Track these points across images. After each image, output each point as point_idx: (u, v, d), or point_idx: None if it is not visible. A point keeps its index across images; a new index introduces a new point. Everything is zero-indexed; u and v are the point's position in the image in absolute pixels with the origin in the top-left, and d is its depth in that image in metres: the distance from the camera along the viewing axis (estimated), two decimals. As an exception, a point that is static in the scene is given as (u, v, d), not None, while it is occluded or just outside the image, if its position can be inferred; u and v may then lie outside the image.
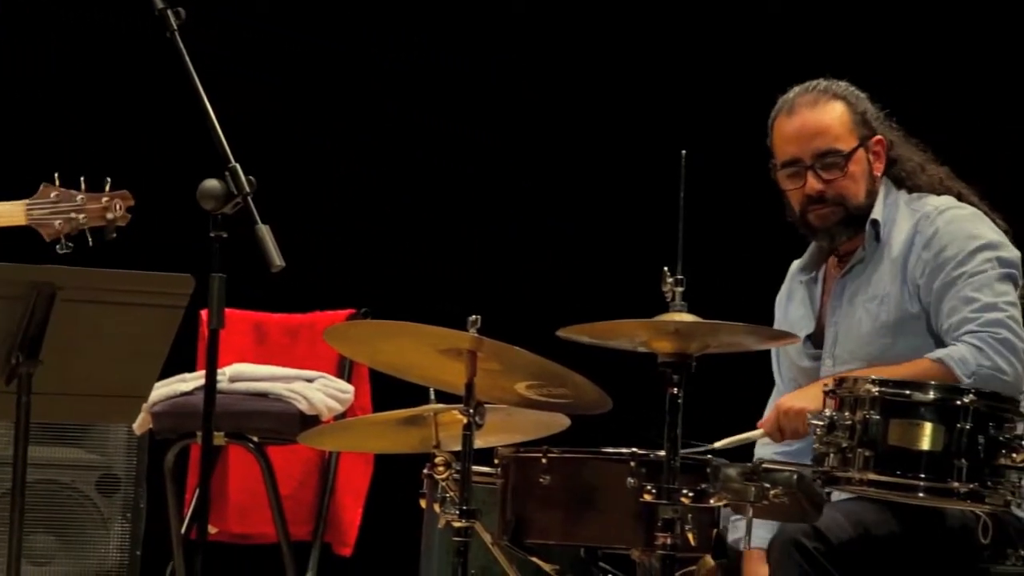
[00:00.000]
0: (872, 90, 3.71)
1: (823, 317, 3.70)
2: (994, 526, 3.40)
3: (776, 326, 3.76)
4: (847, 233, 3.65)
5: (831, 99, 3.64)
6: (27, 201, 3.48)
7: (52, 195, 3.47)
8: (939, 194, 3.67)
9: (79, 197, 3.47)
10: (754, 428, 3.49)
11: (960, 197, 3.66)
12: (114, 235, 3.47)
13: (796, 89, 3.68)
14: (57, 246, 3.48)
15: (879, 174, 3.67)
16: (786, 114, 3.65)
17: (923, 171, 3.69)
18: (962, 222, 3.58)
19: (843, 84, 3.68)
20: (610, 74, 5.65)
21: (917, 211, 3.63)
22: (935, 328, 3.55)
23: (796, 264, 3.80)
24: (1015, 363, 3.44)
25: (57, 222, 3.46)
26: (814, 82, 3.68)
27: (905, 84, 4.36)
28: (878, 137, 3.66)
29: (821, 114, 3.63)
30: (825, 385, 3.18)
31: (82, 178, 3.48)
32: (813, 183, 3.62)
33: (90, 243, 3.48)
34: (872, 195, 3.65)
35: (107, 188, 3.46)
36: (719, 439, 3.44)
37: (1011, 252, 3.59)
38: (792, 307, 3.75)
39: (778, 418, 3.44)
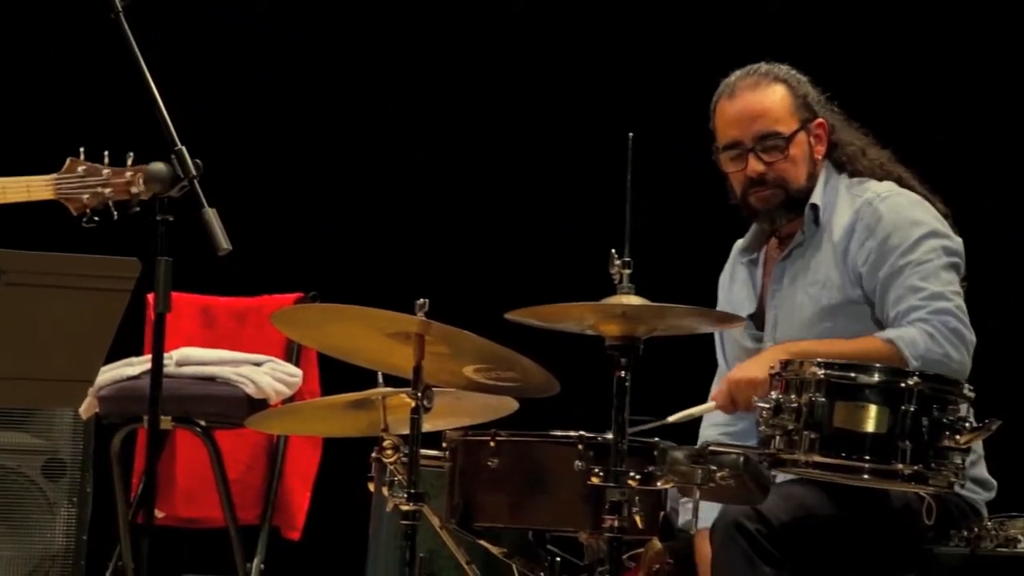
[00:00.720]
0: (813, 72, 3.73)
1: (764, 299, 3.72)
2: (938, 507, 3.43)
3: (719, 306, 3.78)
4: (788, 216, 3.66)
5: (772, 82, 3.65)
6: (55, 175, 3.45)
7: (79, 169, 3.45)
8: (880, 179, 3.68)
9: (105, 171, 3.45)
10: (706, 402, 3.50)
11: (900, 181, 3.68)
12: (137, 209, 3.44)
13: (738, 72, 3.69)
14: (83, 220, 3.45)
15: (820, 157, 3.68)
16: (727, 97, 3.66)
17: (864, 155, 3.71)
18: (904, 209, 3.60)
19: (784, 67, 3.70)
20: (555, 56, 5.65)
21: (858, 197, 3.64)
22: (881, 317, 3.57)
23: (739, 244, 3.81)
24: (963, 352, 3.48)
25: (85, 196, 3.43)
26: (756, 65, 3.69)
27: (845, 66, 4.38)
28: (820, 120, 3.67)
29: (762, 97, 3.64)
30: (771, 368, 3.20)
31: (105, 152, 3.45)
32: (754, 165, 3.63)
33: (115, 217, 3.46)
34: (813, 178, 3.66)
35: (129, 162, 3.43)
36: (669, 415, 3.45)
37: (954, 240, 3.61)
38: (735, 288, 3.77)
39: (730, 390, 3.45)
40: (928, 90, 5.27)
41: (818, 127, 3.67)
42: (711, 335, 3.81)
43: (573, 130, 5.53)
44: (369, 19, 5.71)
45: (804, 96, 3.66)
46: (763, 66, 3.68)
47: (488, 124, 5.68)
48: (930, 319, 3.48)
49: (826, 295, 3.60)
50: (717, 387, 3.63)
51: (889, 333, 3.48)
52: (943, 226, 3.61)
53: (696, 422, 3.68)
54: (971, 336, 3.51)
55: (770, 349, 3.53)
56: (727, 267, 3.82)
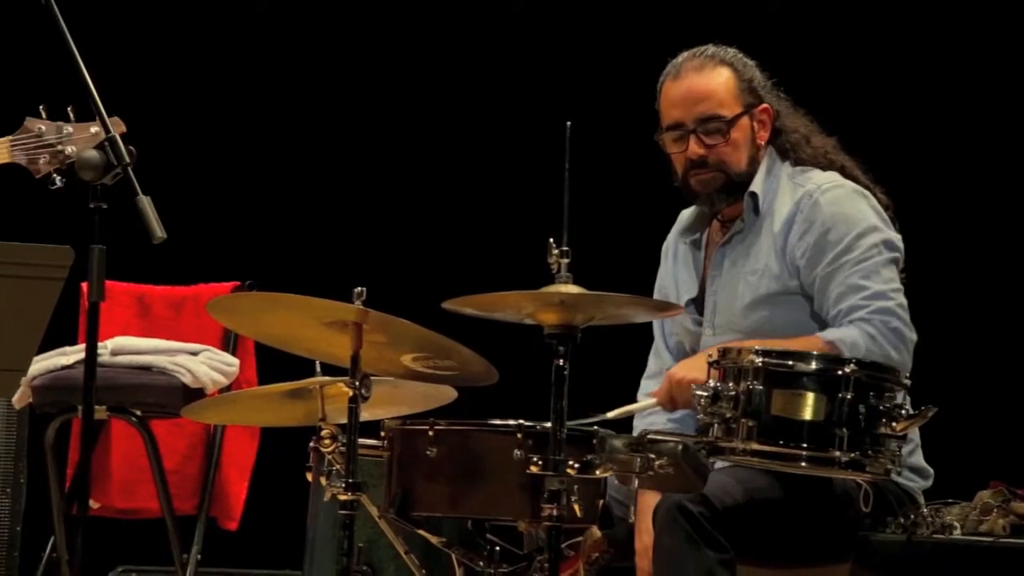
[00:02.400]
0: (758, 57, 3.73)
1: (704, 284, 3.72)
2: (875, 494, 3.45)
3: (659, 278, 3.77)
4: (727, 200, 3.66)
5: (718, 65, 3.65)
6: (10, 137, 3.31)
7: (37, 128, 3.30)
8: (823, 168, 3.68)
9: (66, 128, 3.30)
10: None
11: (843, 171, 3.69)
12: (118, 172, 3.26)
13: (685, 54, 3.68)
14: (48, 183, 3.30)
15: (763, 143, 3.68)
16: (673, 78, 3.66)
17: (808, 143, 3.71)
18: (843, 203, 3.59)
19: (732, 51, 3.69)
20: (492, 45, 5.64)
21: (800, 187, 3.64)
22: (821, 313, 3.58)
23: (684, 216, 3.79)
24: (904, 352, 3.50)
25: (43, 158, 3.28)
26: (703, 48, 3.68)
27: (791, 53, 4.39)
28: (764, 106, 3.67)
29: (707, 79, 3.63)
30: (709, 356, 3.20)
31: (69, 108, 3.29)
32: (695, 147, 3.63)
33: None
34: (755, 163, 3.66)
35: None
36: (609, 409, 3.45)
37: (894, 235, 3.61)
38: (678, 267, 3.76)
39: (670, 388, 3.46)
40: (872, 79, 5.29)
41: (762, 112, 3.67)
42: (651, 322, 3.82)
43: (511, 118, 5.52)
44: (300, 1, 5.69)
45: (750, 80, 3.65)
46: (710, 48, 3.67)
47: (426, 112, 5.66)
48: (871, 319, 3.49)
49: (764, 284, 3.61)
50: (658, 382, 3.64)
51: (830, 334, 3.49)
52: (882, 221, 3.61)
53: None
54: (912, 335, 3.53)
55: (711, 349, 3.52)
56: (670, 237, 3.80)
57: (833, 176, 3.65)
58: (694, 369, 3.40)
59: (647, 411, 3.62)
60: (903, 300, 3.56)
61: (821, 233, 3.56)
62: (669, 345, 3.79)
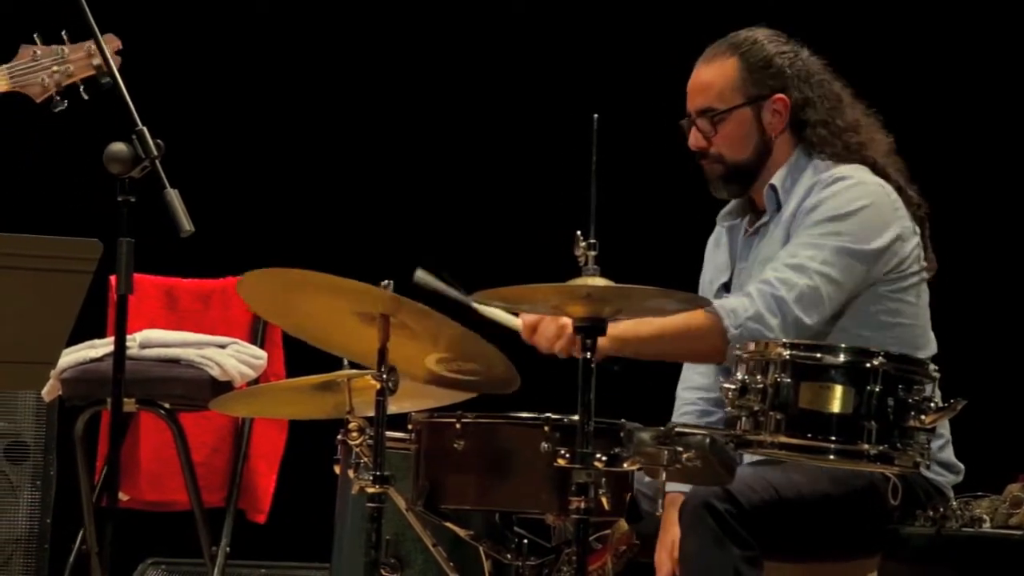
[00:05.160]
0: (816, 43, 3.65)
1: (734, 273, 3.71)
2: (903, 488, 3.44)
3: (704, 272, 3.75)
4: (729, 189, 3.63)
5: (726, 55, 3.60)
6: (7, 66, 3.34)
7: (32, 53, 3.32)
8: (855, 163, 3.61)
9: (62, 50, 3.32)
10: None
11: (875, 167, 3.60)
12: (108, 81, 3.29)
13: (715, 43, 3.66)
14: (51, 106, 3.33)
15: (775, 134, 3.63)
16: (696, 66, 3.65)
17: (840, 136, 3.62)
18: (845, 193, 3.50)
19: (762, 34, 3.60)
20: (521, 36, 5.64)
21: (818, 176, 3.58)
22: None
23: (731, 202, 3.74)
24: (780, 319, 3.37)
25: (42, 78, 3.31)
26: (733, 33, 3.64)
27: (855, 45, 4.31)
28: (778, 96, 3.62)
29: (708, 71, 3.61)
30: (736, 349, 3.19)
31: (64, 32, 3.32)
32: (692, 138, 3.63)
33: (85, 97, 3.32)
34: (762, 154, 3.61)
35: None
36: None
37: (874, 243, 3.47)
38: (718, 254, 3.75)
39: (543, 326, 3.34)
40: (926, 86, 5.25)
41: (775, 102, 3.62)
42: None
43: (538, 111, 5.51)
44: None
45: (763, 69, 3.58)
46: (735, 35, 3.62)
47: (453, 105, 5.66)
48: (762, 286, 3.41)
49: None
50: (698, 372, 3.63)
51: (724, 305, 3.41)
52: (878, 222, 3.48)
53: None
54: (805, 319, 3.38)
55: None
56: (714, 234, 3.78)
57: (854, 169, 3.57)
58: (564, 322, 3.27)
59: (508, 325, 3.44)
60: (826, 291, 3.43)
61: (808, 213, 3.51)
62: None
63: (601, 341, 3.07)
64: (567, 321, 3.27)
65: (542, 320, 3.38)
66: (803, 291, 3.42)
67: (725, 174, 3.62)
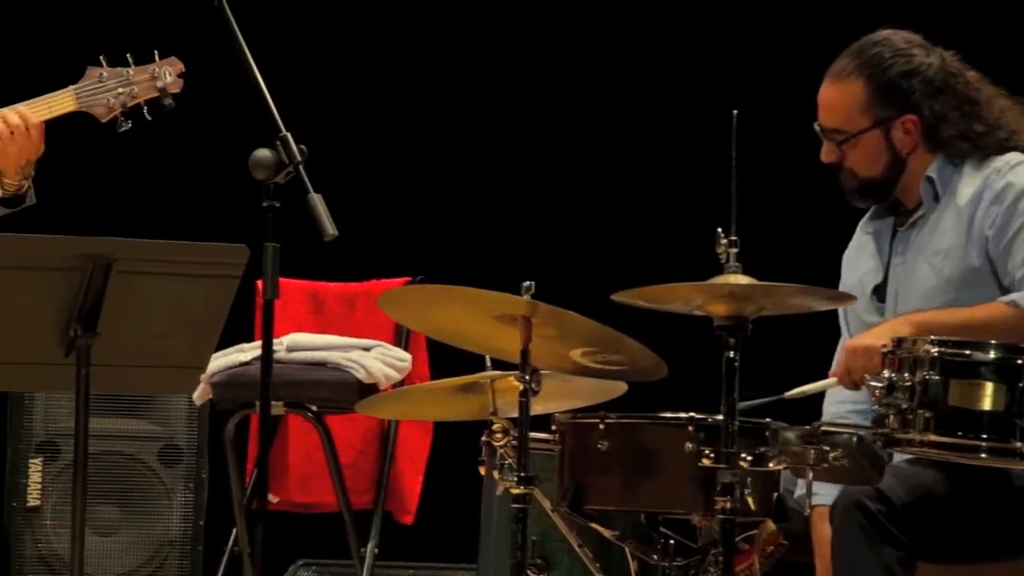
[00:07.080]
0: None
1: (888, 271, 3.66)
2: (1059, 486, 3.37)
3: (843, 280, 3.71)
4: (864, 201, 3.62)
5: (852, 76, 3.54)
6: (74, 86, 3.43)
7: (98, 75, 3.42)
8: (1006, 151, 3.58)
9: (127, 72, 3.41)
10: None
11: None
12: (171, 103, 3.39)
13: (844, 53, 3.61)
14: (116, 126, 3.42)
15: (908, 152, 3.57)
16: (825, 78, 3.61)
17: (981, 140, 3.55)
18: None
19: (885, 50, 3.55)
20: (661, 34, 5.61)
21: (986, 166, 3.56)
22: (1005, 281, 3.49)
23: (865, 217, 3.74)
24: None
25: (108, 99, 3.40)
26: (855, 47, 3.58)
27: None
28: (908, 117, 3.56)
29: (836, 92, 3.56)
30: (884, 347, 3.15)
31: (128, 55, 3.41)
32: (825, 152, 3.60)
33: (148, 118, 3.41)
34: (895, 171, 3.57)
35: (156, 58, 3.41)
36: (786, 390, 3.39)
37: None
38: (862, 259, 3.70)
39: (845, 359, 3.38)
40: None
41: (906, 123, 3.57)
42: (829, 313, 3.74)
43: (677, 108, 5.49)
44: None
45: (892, 90, 3.52)
46: (863, 48, 3.57)
47: (592, 104, 5.65)
48: None
49: (949, 265, 3.52)
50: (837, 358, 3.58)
51: (1013, 295, 3.40)
52: None
53: (819, 399, 3.62)
54: None
55: (891, 320, 3.46)
56: (852, 244, 3.75)
57: (1019, 155, 3.55)
58: (868, 336, 3.34)
59: (826, 389, 3.53)
60: None
61: (1010, 203, 3.48)
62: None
63: (904, 328, 3.17)
64: (856, 344, 3.32)
65: (844, 361, 3.37)
66: None
67: (859, 188, 3.59)
